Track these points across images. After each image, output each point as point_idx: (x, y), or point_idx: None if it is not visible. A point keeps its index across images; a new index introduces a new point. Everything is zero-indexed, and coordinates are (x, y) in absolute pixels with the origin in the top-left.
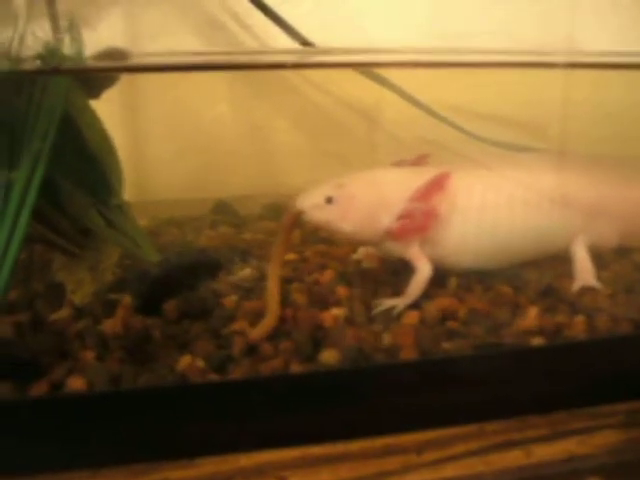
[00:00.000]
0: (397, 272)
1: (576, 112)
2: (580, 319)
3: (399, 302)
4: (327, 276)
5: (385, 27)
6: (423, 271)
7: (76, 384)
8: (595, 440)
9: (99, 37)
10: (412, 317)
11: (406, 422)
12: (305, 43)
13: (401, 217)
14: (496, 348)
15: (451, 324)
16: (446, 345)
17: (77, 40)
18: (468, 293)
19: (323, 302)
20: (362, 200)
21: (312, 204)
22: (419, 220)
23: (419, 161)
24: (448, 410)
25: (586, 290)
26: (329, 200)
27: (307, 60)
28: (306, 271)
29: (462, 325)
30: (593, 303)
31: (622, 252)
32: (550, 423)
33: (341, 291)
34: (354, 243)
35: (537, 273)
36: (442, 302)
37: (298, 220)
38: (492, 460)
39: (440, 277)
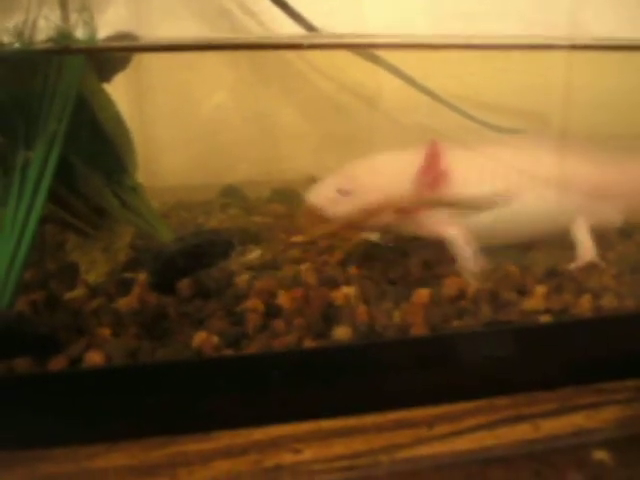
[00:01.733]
0: (405, 252)
1: (577, 98)
2: (586, 298)
3: (467, 272)
4: (336, 256)
5: (388, 10)
6: (452, 236)
7: (94, 359)
8: (602, 415)
9: (105, 23)
10: (422, 296)
11: (418, 397)
12: (310, 29)
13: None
14: (505, 325)
15: (461, 302)
16: (456, 323)
17: (89, 24)
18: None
19: (333, 281)
20: (375, 187)
21: (327, 199)
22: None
23: None
24: (459, 385)
25: (588, 267)
26: (341, 191)
27: (322, 41)
28: (315, 252)
29: (471, 303)
30: (599, 282)
31: (626, 233)
32: (558, 398)
33: (351, 270)
34: (374, 230)
35: (544, 253)
36: (451, 281)
37: (311, 214)
38: (501, 434)
39: (449, 257)
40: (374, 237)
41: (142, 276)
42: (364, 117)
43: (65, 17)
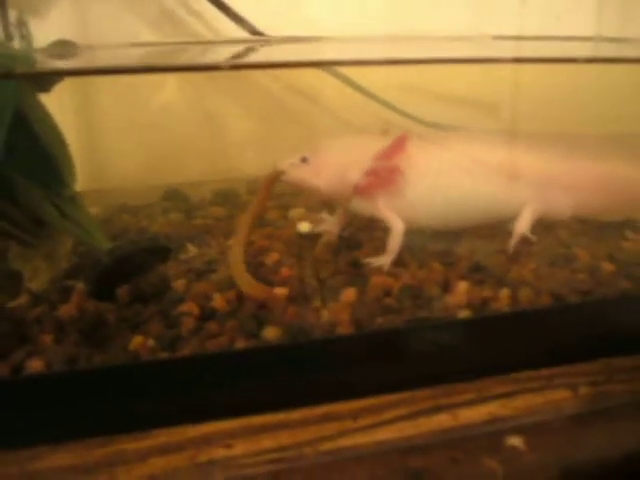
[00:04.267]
0: (338, 251)
1: (526, 94)
2: (505, 293)
3: (384, 260)
4: (272, 258)
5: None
6: (396, 227)
7: (35, 366)
8: (515, 403)
9: (49, 27)
10: (349, 295)
11: (344, 391)
12: (255, 32)
13: (367, 174)
14: (427, 321)
15: (386, 300)
16: (381, 320)
17: (26, 37)
18: (403, 269)
19: (267, 283)
20: (333, 159)
21: (289, 164)
22: (383, 176)
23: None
24: (383, 379)
25: (521, 241)
26: (304, 160)
27: (244, 61)
28: (252, 254)
29: (396, 301)
30: (518, 277)
31: (548, 227)
32: (476, 389)
33: (285, 272)
34: (326, 200)
35: (468, 249)
36: (378, 279)
37: (277, 179)
38: (421, 424)
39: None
40: (306, 228)
41: (80, 285)
42: (311, 117)
43: (5, 25)
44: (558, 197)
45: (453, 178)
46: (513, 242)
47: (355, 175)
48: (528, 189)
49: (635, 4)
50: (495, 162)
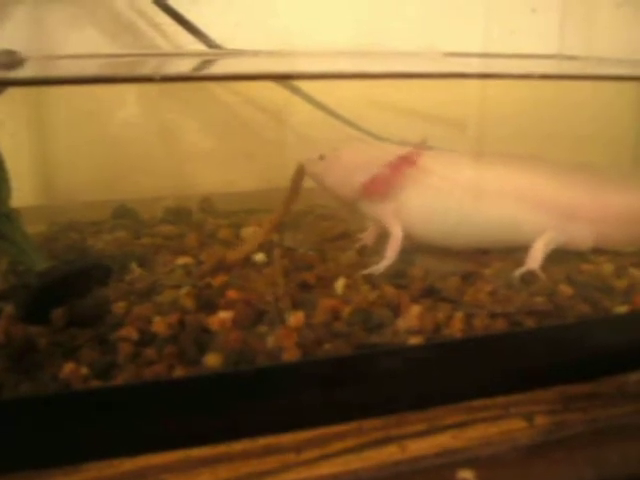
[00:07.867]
0: (287, 273)
1: (492, 111)
2: (458, 317)
3: (382, 265)
4: (219, 280)
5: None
6: (396, 234)
7: None
8: (468, 433)
9: (3, 36)
10: (297, 319)
11: (287, 422)
12: (212, 46)
13: (369, 179)
14: (376, 348)
15: (335, 325)
16: (328, 346)
17: None
18: (354, 293)
19: (212, 306)
20: (345, 160)
21: (308, 160)
22: (379, 184)
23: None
24: (328, 409)
25: (528, 274)
26: (321, 157)
27: (181, 73)
28: (199, 275)
29: (346, 325)
30: (474, 300)
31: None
32: (427, 419)
33: (231, 294)
34: (336, 199)
35: (422, 271)
36: (327, 303)
37: (303, 174)
38: (368, 456)
39: (329, 278)
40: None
41: (8, 308)
42: (270, 131)
43: None
44: (579, 227)
45: (464, 197)
46: (518, 273)
47: (362, 178)
48: (547, 217)
49: (595, 23)
50: (514, 186)
